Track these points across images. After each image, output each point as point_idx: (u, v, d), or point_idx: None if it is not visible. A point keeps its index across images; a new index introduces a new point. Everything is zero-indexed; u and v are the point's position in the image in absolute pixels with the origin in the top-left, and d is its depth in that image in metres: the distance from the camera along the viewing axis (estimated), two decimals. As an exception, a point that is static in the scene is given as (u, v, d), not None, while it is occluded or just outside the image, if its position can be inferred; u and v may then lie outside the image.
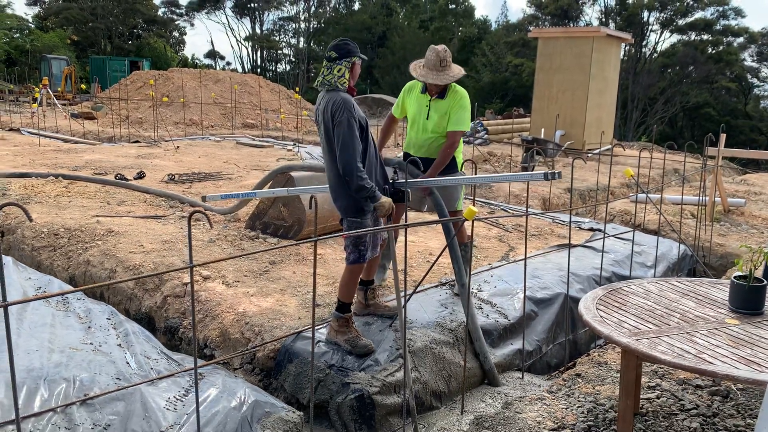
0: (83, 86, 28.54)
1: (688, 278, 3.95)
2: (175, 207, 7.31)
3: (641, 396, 3.60)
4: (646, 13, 40.74)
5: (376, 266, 4.22)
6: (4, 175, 8.44)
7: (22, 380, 2.87)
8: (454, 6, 52.20)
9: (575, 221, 7.47)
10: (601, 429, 3.31)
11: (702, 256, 6.94)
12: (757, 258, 3.24)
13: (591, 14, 53.24)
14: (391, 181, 3.97)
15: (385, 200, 3.62)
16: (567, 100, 15.44)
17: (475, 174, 4.31)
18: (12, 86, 31.08)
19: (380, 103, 22.20)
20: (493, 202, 8.87)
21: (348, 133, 3.48)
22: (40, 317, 3.67)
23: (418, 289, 4.46)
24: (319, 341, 3.80)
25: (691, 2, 39.70)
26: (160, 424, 2.83)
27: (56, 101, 21.82)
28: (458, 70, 4.41)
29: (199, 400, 2.84)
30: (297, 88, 26.94)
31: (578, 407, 3.56)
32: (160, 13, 54.47)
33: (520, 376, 4.30)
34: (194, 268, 2.50)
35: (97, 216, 6.50)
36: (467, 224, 4.41)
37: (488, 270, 5.35)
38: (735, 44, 40.50)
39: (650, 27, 41.30)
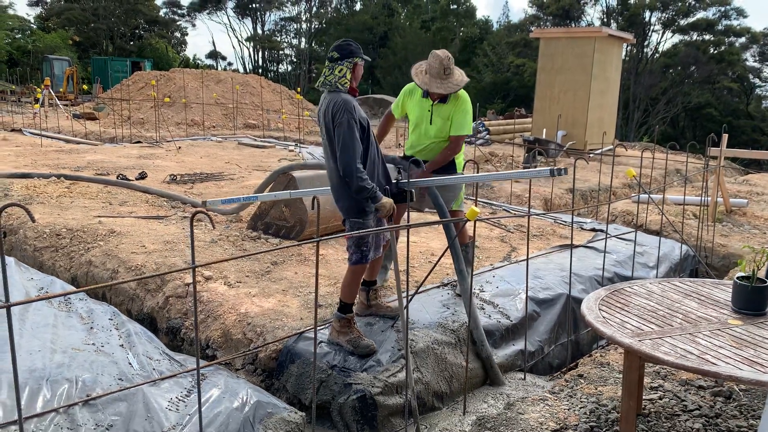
0: (85, 87, 28.57)
1: (691, 279, 3.94)
2: (177, 207, 7.31)
3: (643, 397, 3.59)
4: (647, 13, 40.72)
5: (379, 267, 4.21)
6: (6, 175, 8.45)
7: (24, 381, 2.87)
8: (455, 6, 52.19)
9: (577, 222, 7.46)
10: (604, 430, 3.31)
11: (704, 256, 6.93)
12: (760, 258, 3.23)
13: (593, 14, 53.30)
14: (394, 181, 3.97)
15: (386, 201, 3.62)
16: (569, 101, 15.42)
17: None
18: (14, 87, 31.12)
19: (382, 103, 22.17)
20: (494, 202, 8.87)
21: (348, 134, 3.47)
22: (42, 318, 3.67)
23: (420, 289, 4.45)
24: (321, 342, 3.79)
25: (693, 2, 39.67)
26: (162, 425, 2.83)
27: (58, 102, 21.84)
28: (462, 77, 4.34)
29: (202, 400, 2.84)
30: (299, 89, 26.94)
31: (581, 408, 3.56)
32: (161, 13, 54.56)
33: (522, 376, 4.30)
34: (196, 269, 2.50)
35: (99, 216, 6.51)
36: (469, 225, 4.41)
37: (490, 270, 5.35)
38: (737, 44, 40.45)
39: (652, 27, 41.29)
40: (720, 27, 39.99)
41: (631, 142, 27.43)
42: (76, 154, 11.98)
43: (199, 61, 58.85)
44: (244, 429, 2.96)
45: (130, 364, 3.31)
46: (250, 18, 57.04)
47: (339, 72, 3.58)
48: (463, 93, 4.43)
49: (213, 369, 3.42)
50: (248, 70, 53.53)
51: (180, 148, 13.47)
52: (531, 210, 4.47)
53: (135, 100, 20.41)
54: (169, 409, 2.94)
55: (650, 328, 3.01)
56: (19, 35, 45.93)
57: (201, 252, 5.42)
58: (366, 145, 3.61)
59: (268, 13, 56.98)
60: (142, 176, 9.27)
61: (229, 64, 67.44)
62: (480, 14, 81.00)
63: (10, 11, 45.03)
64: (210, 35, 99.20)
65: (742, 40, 40.45)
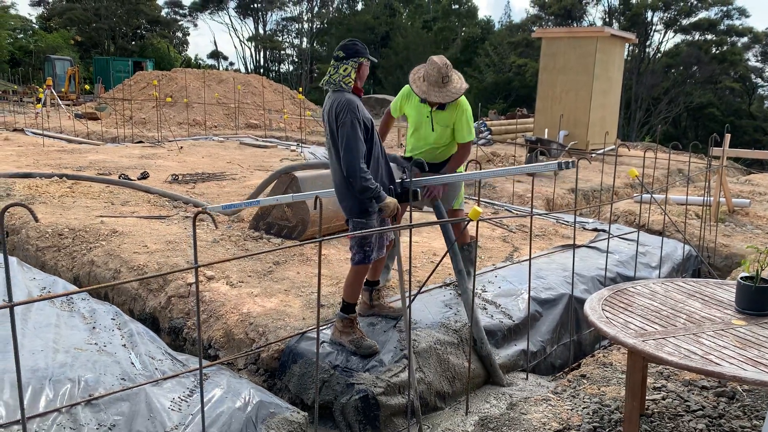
0: (87, 87, 28.60)
1: (694, 279, 3.93)
2: (179, 207, 7.31)
3: (647, 397, 3.58)
4: (649, 13, 40.67)
5: (382, 267, 4.21)
6: (8, 175, 8.46)
7: (27, 380, 2.87)
8: (457, 6, 52.19)
9: (579, 222, 7.45)
10: (607, 430, 3.30)
11: (707, 256, 6.92)
12: (763, 259, 3.22)
13: (594, 14, 53.31)
14: (398, 180, 3.96)
15: (390, 200, 3.61)
16: (571, 101, 15.40)
17: (480, 174, 4.30)
18: (16, 87, 31.19)
19: (383, 103, 22.18)
20: (496, 202, 8.86)
21: (351, 134, 3.47)
22: (44, 317, 3.67)
23: (423, 289, 4.45)
24: (323, 342, 3.79)
25: (695, 2, 39.62)
26: (164, 425, 2.83)
27: (60, 102, 21.87)
28: (460, 84, 4.28)
29: (204, 400, 2.84)
30: (300, 89, 26.98)
31: (583, 408, 3.55)
32: (163, 13, 54.63)
33: (525, 376, 4.29)
34: (198, 269, 2.50)
35: (101, 216, 6.51)
36: (471, 224, 4.40)
37: (492, 270, 5.34)
38: (739, 44, 40.40)
39: (654, 27, 41.25)
40: (722, 27, 39.95)
41: (633, 141, 27.40)
42: (78, 154, 11.99)
43: (200, 61, 58.94)
44: (247, 429, 2.96)
45: (132, 363, 3.31)
46: (251, 18, 57.11)
47: (344, 71, 3.57)
48: (461, 98, 4.38)
49: (215, 369, 3.42)
50: (250, 70, 53.59)
51: (182, 147, 13.48)
52: (533, 210, 4.47)
53: (137, 100, 20.43)
54: (172, 409, 2.94)
55: (654, 329, 3.01)
56: (21, 35, 45.99)
57: (203, 252, 5.42)
58: (370, 145, 3.60)
59: (269, 13, 57.08)
60: (144, 176, 9.27)
61: (231, 64, 67.55)
62: (482, 14, 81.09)
63: (12, 11, 45.10)
64: (212, 35, 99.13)
65: (745, 39, 40.40)
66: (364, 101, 3.70)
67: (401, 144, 15.28)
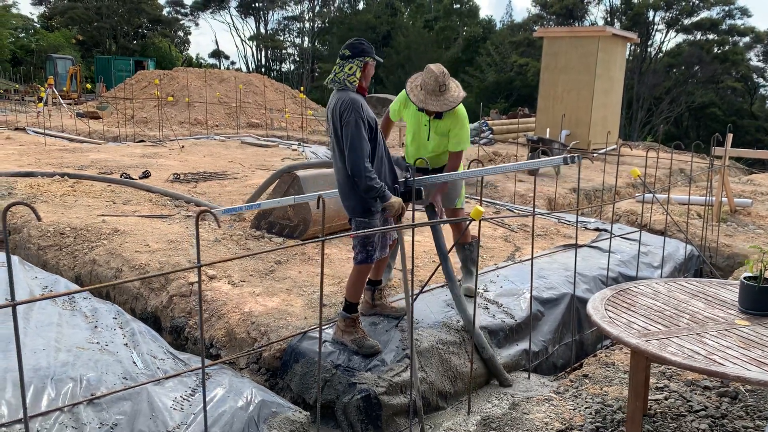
0: (88, 86, 28.65)
1: (697, 279, 3.92)
2: (181, 206, 7.31)
3: (649, 397, 3.58)
4: (651, 13, 40.64)
5: (384, 266, 4.21)
6: (10, 174, 8.46)
7: (29, 379, 2.86)
8: (458, 6, 52.15)
9: (581, 221, 7.44)
10: (610, 430, 3.29)
11: (709, 256, 6.91)
12: (767, 259, 3.22)
13: (596, 14, 53.34)
14: (402, 180, 3.96)
15: (395, 200, 3.61)
16: (572, 100, 15.38)
17: (482, 174, 4.29)
18: (17, 86, 31.20)
19: (384, 102, 22.16)
20: (498, 202, 8.85)
21: (356, 134, 3.46)
22: (46, 316, 3.67)
23: (425, 289, 4.45)
24: (325, 341, 3.78)
25: (697, 2, 39.58)
26: (167, 424, 2.83)
27: (61, 101, 21.87)
28: (458, 92, 4.24)
29: (206, 399, 2.83)
30: (302, 88, 26.97)
31: (586, 408, 3.54)
32: (165, 12, 54.66)
33: (527, 376, 4.28)
34: (200, 268, 2.49)
35: (102, 215, 6.51)
36: (474, 224, 4.40)
37: (494, 270, 5.33)
38: (741, 44, 40.36)
39: (656, 26, 41.22)
40: (724, 26, 39.89)
41: (634, 141, 27.37)
42: (80, 152, 11.99)
43: (202, 60, 58.99)
44: (249, 428, 2.96)
45: (134, 363, 3.31)
46: (253, 17, 57.13)
47: (349, 70, 3.56)
48: (459, 106, 4.34)
49: (217, 368, 3.41)
50: (251, 69, 53.58)
51: (183, 147, 13.48)
52: (535, 209, 4.46)
53: (138, 99, 20.43)
54: (174, 408, 2.93)
55: (657, 329, 3.00)
56: (23, 34, 46.03)
57: (205, 251, 5.41)
58: (374, 145, 3.59)
59: (271, 13, 57.08)
60: (146, 175, 9.27)
61: (232, 63, 67.52)
62: (483, 13, 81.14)
63: (14, 10, 45.11)
64: (213, 34, 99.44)
65: (746, 39, 40.35)
66: (366, 100, 3.69)
67: (403, 143, 15.26)
